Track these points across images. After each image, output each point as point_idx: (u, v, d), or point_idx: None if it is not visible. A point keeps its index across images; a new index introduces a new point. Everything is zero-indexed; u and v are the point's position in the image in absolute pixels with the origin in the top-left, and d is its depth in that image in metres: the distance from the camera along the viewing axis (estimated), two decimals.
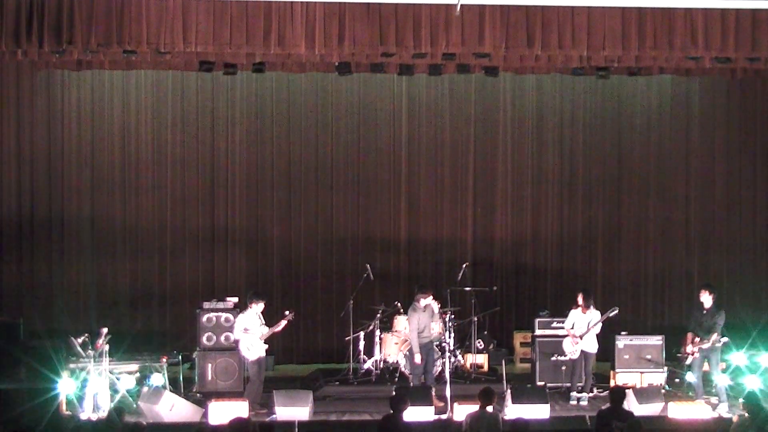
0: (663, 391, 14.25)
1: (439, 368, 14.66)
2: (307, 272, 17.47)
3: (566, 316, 14.54)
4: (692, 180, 18.05)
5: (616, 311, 14.23)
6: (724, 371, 14.29)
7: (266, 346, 13.81)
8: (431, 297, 14.14)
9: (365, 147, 17.63)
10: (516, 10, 13.60)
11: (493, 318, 16.76)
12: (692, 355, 13.81)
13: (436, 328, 14.65)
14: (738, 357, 14.43)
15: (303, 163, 17.50)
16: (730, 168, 18.02)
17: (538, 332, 15.46)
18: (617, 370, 15.12)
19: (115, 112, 17.09)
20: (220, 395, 13.80)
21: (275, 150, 17.46)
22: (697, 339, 13.79)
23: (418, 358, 13.96)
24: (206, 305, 15.20)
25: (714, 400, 13.68)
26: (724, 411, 13.32)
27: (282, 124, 17.46)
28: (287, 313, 13.86)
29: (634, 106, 18.01)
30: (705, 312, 13.88)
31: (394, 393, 12.53)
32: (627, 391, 12.83)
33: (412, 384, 14.07)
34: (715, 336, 13.64)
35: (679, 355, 14.21)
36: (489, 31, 13.59)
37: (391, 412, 10.58)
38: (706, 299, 13.90)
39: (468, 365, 15.68)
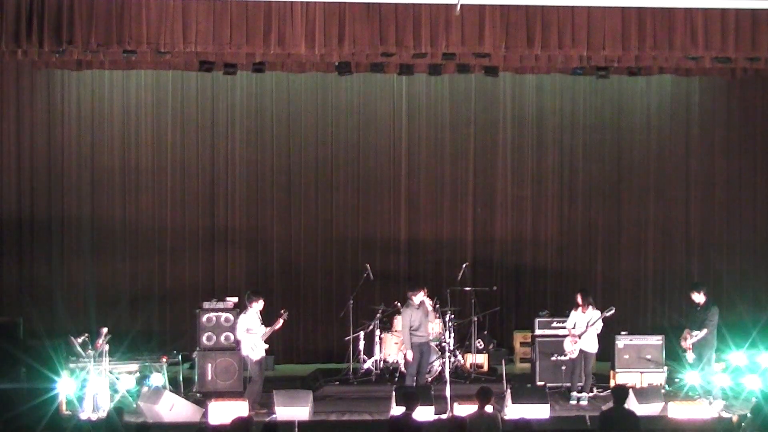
0: (663, 391, 14.25)
1: (439, 368, 14.67)
2: (307, 272, 17.48)
3: (566, 316, 14.56)
4: (692, 180, 18.05)
5: (613, 311, 14.21)
6: (723, 371, 14.31)
7: (266, 345, 13.84)
8: (422, 293, 14.15)
9: (365, 147, 17.64)
10: (516, 10, 13.60)
11: (493, 318, 16.76)
12: (689, 350, 13.87)
13: (435, 328, 14.68)
14: (738, 357, 14.45)
15: (303, 163, 17.51)
16: (730, 168, 18.02)
17: (538, 332, 15.44)
18: (617, 370, 15.12)
19: (115, 112, 17.09)
20: (220, 395, 13.79)
21: (275, 150, 17.46)
22: (689, 335, 13.91)
23: (410, 355, 14.00)
24: (206, 305, 15.20)
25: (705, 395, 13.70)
26: (706, 405, 13.30)
27: (282, 124, 17.47)
28: (282, 311, 13.89)
29: (634, 106, 18.01)
30: (699, 308, 13.97)
31: (404, 391, 12.51)
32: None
33: (405, 383, 14.08)
34: (702, 332, 13.70)
35: (683, 353, 14.24)
36: (489, 31, 13.59)
37: (404, 410, 10.55)
38: (698, 298, 14.03)
39: (468, 365, 15.68)
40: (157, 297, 17.11)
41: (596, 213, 17.98)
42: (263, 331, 13.73)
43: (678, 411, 13.03)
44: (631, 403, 12.97)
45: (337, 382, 15.11)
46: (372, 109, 17.62)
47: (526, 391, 13.48)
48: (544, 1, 13.56)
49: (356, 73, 16.03)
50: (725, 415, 13.04)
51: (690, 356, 13.97)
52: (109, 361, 13.64)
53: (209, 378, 14.86)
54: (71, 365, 13.53)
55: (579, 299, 14.31)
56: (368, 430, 12.72)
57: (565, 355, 14.52)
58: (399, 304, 15.21)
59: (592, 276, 17.84)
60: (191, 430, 12.06)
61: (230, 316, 14.94)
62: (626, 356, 15.09)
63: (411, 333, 14.02)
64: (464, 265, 16.18)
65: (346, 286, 16.83)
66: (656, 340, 15.20)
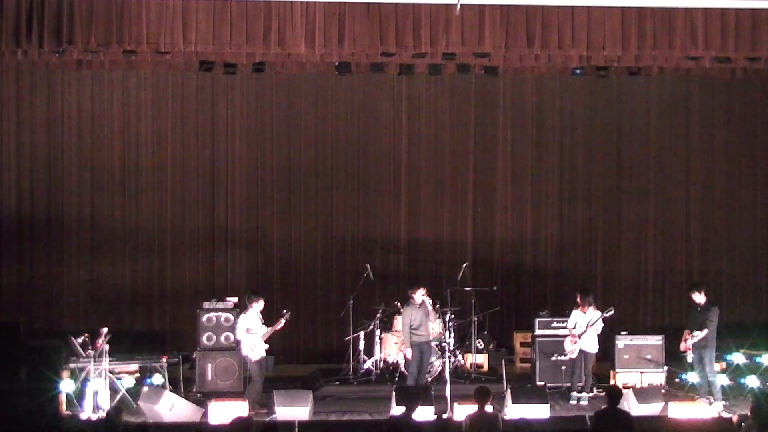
0: (663, 391, 14.25)
1: (439, 368, 14.68)
2: (307, 272, 17.48)
3: (567, 315, 14.57)
4: (692, 180, 18.06)
5: (613, 311, 14.22)
6: (724, 371, 14.31)
7: (267, 346, 13.85)
8: (422, 292, 14.15)
9: (365, 147, 17.64)
10: (516, 10, 13.59)
11: (493, 318, 16.74)
12: (689, 350, 13.87)
13: (435, 328, 14.68)
14: (738, 357, 14.44)
15: (303, 163, 17.51)
16: (730, 168, 18.03)
17: (538, 332, 15.44)
18: (617, 370, 15.11)
19: (115, 112, 17.10)
20: (220, 395, 13.79)
21: (275, 150, 17.47)
22: (689, 336, 13.91)
23: (409, 353, 14.02)
24: (206, 305, 15.20)
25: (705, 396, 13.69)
26: (706, 405, 13.30)
27: (282, 124, 17.46)
28: (285, 312, 13.91)
29: (634, 106, 18.02)
30: (699, 309, 13.96)
31: (404, 391, 12.52)
32: (625, 390, 12.83)
33: (407, 383, 14.08)
34: (703, 332, 13.70)
35: (683, 354, 14.24)
36: (489, 31, 13.58)
37: (404, 410, 10.56)
38: (698, 297, 14.00)
39: (468, 365, 15.68)
40: (157, 297, 17.11)
41: (596, 213, 17.99)
42: (263, 331, 13.74)
43: (678, 411, 13.02)
44: (631, 403, 13.00)
45: (337, 382, 15.10)
46: (372, 109, 17.63)
47: (526, 391, 13.46)
48: (544, 1, 13.55)
49: (356, 73, 16.05)
50: (725, 415, 13.04)
51: (690, 357, 13.96)
52: (109, 361, 13.62)
53: (209, 378, 14.86)
54: (71, 365, 13.52)
55: (579, 299, 14.32)
56: (368, 430, 12.71)
57: (565, 355, 14.52)
58: (399, 304, 15.21)
59: (592, 276, 17.83)
60: (191, 430, 12.08)
61: (230, 316, 14.94)
62: (626, 356, 15.08)
63: (411, 332, 14.03)
64: (464, 265, 16.18)
65: (346, 286, 16.82)
66: (656, 340, 15.18)
